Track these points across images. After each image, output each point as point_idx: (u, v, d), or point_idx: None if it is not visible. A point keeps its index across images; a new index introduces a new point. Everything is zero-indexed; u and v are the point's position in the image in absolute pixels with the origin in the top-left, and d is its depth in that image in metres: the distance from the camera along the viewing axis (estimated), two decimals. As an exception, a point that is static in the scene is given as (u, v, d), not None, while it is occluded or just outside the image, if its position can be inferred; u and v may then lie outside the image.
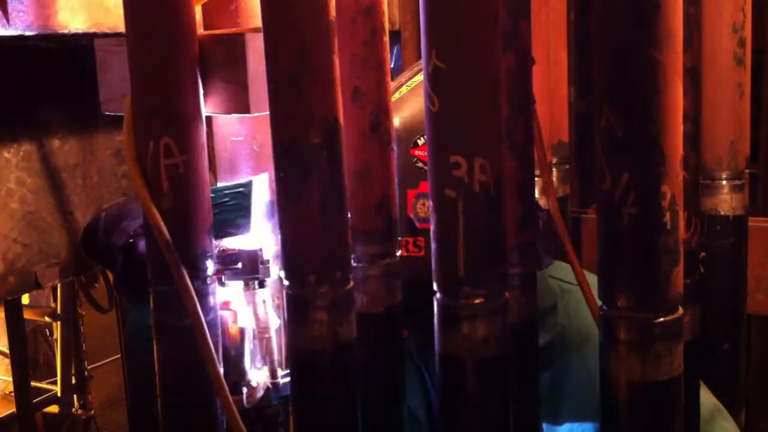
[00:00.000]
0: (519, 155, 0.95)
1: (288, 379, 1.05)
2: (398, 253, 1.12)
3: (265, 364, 1.05)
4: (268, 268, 1.02)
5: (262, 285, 1.03)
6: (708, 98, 1.48)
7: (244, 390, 1.04)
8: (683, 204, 0.70)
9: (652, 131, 0.67)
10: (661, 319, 0.71)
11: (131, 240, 1.28)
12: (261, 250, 1.02)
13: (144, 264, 1.30)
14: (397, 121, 1.11)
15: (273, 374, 1.05)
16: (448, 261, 0.74)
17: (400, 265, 0.96)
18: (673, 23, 0.66)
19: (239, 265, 1.02)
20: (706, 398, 1.18)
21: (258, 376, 1.05)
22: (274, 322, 1.05)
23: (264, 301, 1.04)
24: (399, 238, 1.12)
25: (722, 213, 1.64)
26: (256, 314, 1.04)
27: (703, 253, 1.04)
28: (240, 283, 1.03)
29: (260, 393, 1.04)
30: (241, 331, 1.05)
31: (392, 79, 1.02)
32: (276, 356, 1.06)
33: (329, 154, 0.77)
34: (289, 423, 1.06)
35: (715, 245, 1.63)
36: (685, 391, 0.75)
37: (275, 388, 1.05)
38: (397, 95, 1.14)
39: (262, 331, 1.04)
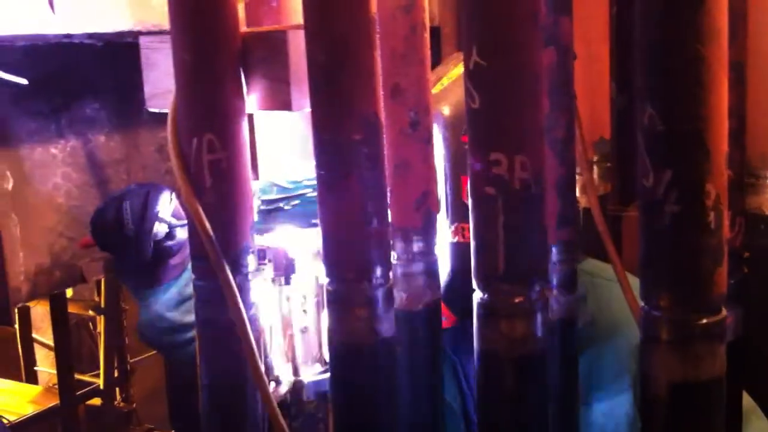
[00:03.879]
0: (560, 152, 0.94)
1: (325, 375, 1.05)
2: (455, 240, 1.12)
3: (288, 360, 1.06)
4: (294, 265, 1.03)
5: (287, 281, 1.04)
6: (752, 94, 1.46)
7: (271, 385, 1.05)
8: (727, 203, 0.69)
9: (696, 127, 0.66)
10: (704, 320, 0.69)
11: (168, 231, 1.29)
12: (287, 247, 1.03)
13: (169, 253, 1.32)
14: (447, 110, 1.13)
15: (295, 371, 1.05)
16: (487, 258, 0.74)
17: (437, 264, 0.96)
18: (719, 17, 0.65)
19: (266, 261, 1.03)
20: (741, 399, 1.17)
21: (283, 372, 1.06)
22: (299, 319, 1.05)
23: (288, 298, 1.05)
24: (455, 224, 1.12)
25: (766, 212, 1.62)
26: (280, 310, 1.05)
27: (746, 253, 1.02)
28: (267, 280, 1.04)
29: (285, 389, 1.05)
30: (268, 328, 1.05)
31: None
32: (300, 353, 1.06)
33: (370, 150, 0.77)
34: (328, 418, 1.06)
35: (759, 245, 1.61)
36: (726, 392, 0.74)
37: (299, 385, 1.05)
38: (439, 86, 1.16)
39: (285, 328, 1.05)
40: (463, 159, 1.12)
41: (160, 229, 1.28)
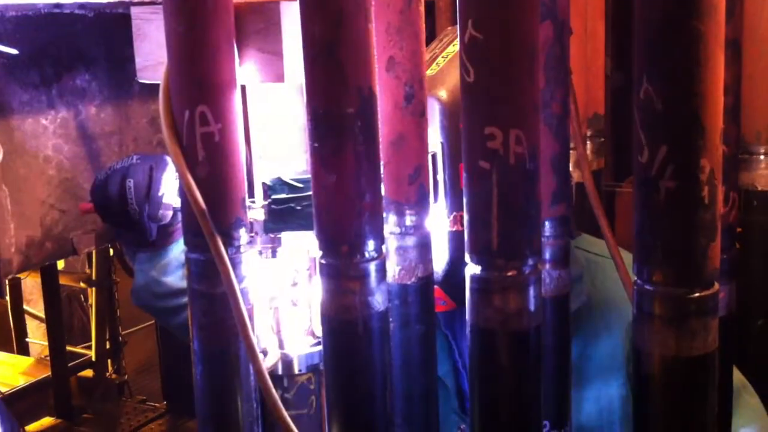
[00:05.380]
0: (554, 127, 0.94)
1: (316, 348, 1.05)
2: (453, 229, 1.12)
3: (273, 333, 1.06)
4: (280, 238, 1.03)
5: (274, 254, 1.04)
6: (748, 71, 1.46)
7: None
8: (721, 178, 0.69)
9: (692, 104, 0.66)
10: (697, 295, 0.70)
11: (173, 213, 1.29)
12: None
13: (168, 222, 1.31)
14: (444, 94, 1.10)
15: (280, 344, 1.06)
16: (481, 233, 0.74)
17: (430, 237, 0.96)
18: (717, -6, 0.65)
19: (253, 234, 1.03)
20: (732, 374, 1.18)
21: (270, 344, 1.06)
22: (286, 292, 1.05)
23: (274, 272, 1.04)
24: (454, 213, 1.11)
25: (759, 188, 1.62)
26: (266, 284, 1.04)
27: (739, 229, 1.03)
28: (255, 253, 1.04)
29: (271, 362, 1.05)
30: (255, 300, 1.05)
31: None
32: (287, 326, 1.06)
33: (364, 123, 0.77)
34: (320, 391, 1.07)
35: (752, 221, 1.62)
36: (719, 367, 0.74)
37: (286, 358, 1.05)
38: (434, 67, 1.13)
39: (270, 301, 1.05)
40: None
41: (165, 214, 1.27)
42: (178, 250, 1.34)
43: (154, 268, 1.35)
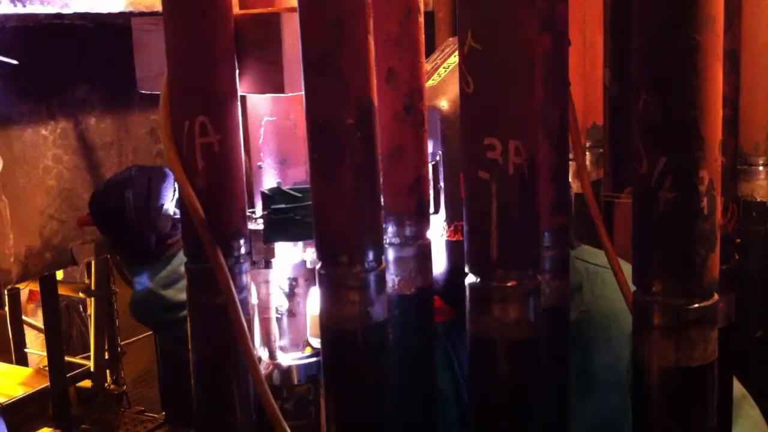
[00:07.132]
0: (553, 138, 0.94)
1: (313, 359, 1.05)
2: (454, 238, 1.12)
3: (263, 344, 1.06)
4: (273, 248, 1.03)
5: (267, 265, 1.04)
6: (746, 82, 1.46)
7: None
8: (720, 189, 0.70)
9: (691, 115, 0.66)
10: (696, 305, 0.70)
11: (172, 224, 1.28)
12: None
13: (167, 234, 1.30)
14: (445, 104, 1.10)
15: (272, 354, 1.05)
16: (480, 243, 0.74)
17: (430, 248, 0.96)
18: (715, 5, 0.65)
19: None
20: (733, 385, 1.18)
21: (264, 354, 1.06)
22: (277, 302, 1.05)
23: (267, 282, 1.04)
24: (454, 222, 1.11)
25: (758, 199, 1.62)
26: (258, 294, 1.04)
27: (738, 239, 1.03)
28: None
29: (263, 371, 1.04)
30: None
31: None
32: (275, 337, 1.06)
33: (363, 134, 0.77)
34: (319, 401, 1.07)
35: (751, 231, 1.62)
36: (718, 377, 0.74)
37: (279, 368, 1.05)
38: (436, 77, 1.14)
39: (262, 312, 1.04)
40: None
41: (164, 226, 1.27)
42: (177, 262, 1.33)
43: (153, 280, 1.34)
